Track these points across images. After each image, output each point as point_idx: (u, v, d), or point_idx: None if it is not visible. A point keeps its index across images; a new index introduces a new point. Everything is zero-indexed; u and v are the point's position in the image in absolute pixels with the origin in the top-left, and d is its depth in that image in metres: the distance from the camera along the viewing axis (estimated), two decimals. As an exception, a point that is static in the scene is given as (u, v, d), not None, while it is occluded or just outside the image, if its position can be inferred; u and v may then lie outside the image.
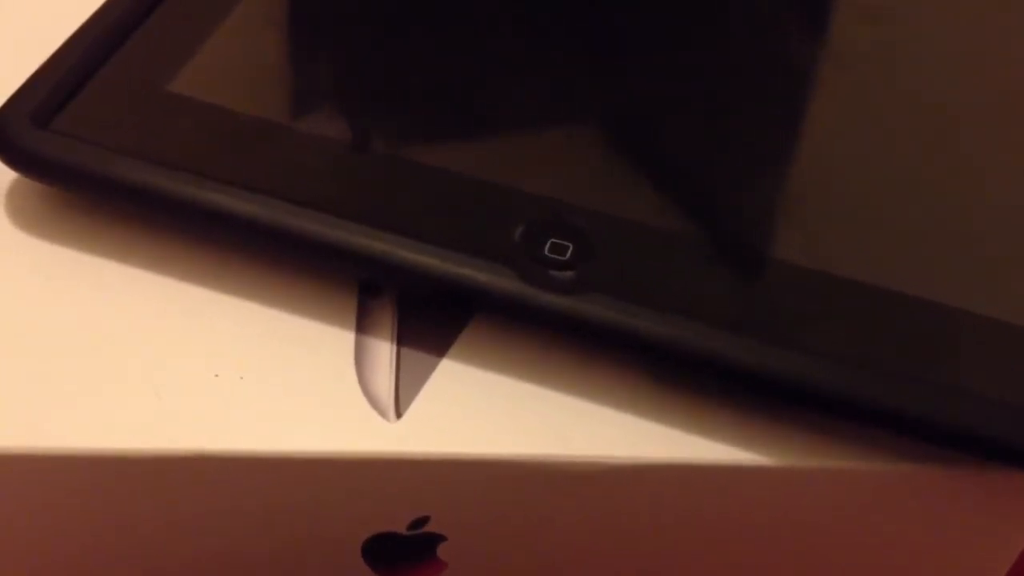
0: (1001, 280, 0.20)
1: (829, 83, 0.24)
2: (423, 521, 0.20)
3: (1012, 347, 0.19)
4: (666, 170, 0.22)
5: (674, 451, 0.19)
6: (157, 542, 0.21)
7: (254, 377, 0.20)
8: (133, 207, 0.21)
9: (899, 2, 0.26)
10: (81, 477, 0.19)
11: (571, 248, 0.20)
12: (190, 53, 0.23)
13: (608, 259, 0.20)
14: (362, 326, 0.21)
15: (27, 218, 0.22)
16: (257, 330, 0.20)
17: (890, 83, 0.24)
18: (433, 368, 0.20)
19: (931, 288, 0.20)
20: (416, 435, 0.19)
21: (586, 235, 0.20)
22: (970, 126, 0.23)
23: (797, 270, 0.20)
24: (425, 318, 0.21)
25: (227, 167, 0.21)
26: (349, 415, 0.19)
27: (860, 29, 0.25)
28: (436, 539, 0.21)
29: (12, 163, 0.21)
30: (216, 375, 0.20)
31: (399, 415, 0.19)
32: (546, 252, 0.20)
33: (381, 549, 0.21)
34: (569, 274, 0.19)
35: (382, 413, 0.20)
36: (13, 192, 0.22)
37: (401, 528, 0.21)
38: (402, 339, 0.20)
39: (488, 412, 0.20)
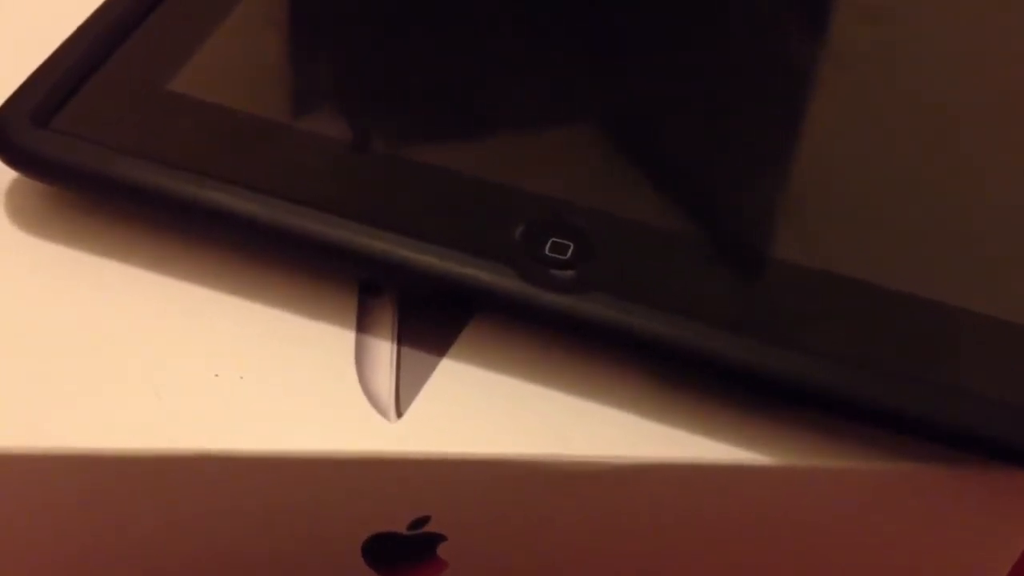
0: (1002, 279, 0.20)
1: (829, 83, 0.24)
2: (423, 521, 0.20)
3: (1013, 346, 0.19)
4: (666, 170, 0.22)
5: (674, 451, 0.19)
6: (157, 542, 0.21)
7: (254, 377, 0.20)
8: (133, 206, 0.21)
9: (899, 2, 0.26)
10: (81, 477, 0.19)
11: (572, 247, 0.20)
12: (190, 52, 0.23)
13: (608, 258, 0.20)
14: (362, 325, 0.21)
15: (27, 217, 0.22)
16: (257, 330, 0.20)
17: (890, 83, 0.24)
18: (433, 368, 0.20)
19: (932, 287, 0.20)
20: (416, 435, 0.19)
21: (586, 234, 0.20)
22: (970, 125, 0.23)
23: (797, 269, 0.20)
24: (425, 318, 0.21)
25: (227, 166, 0.21)
26: (349, 415, 0.19)
27: (860, 29, 0.25)
28: (436, 539, 0.21)
29: (12, 162, 0.21)
30: (216, 375, 0.20)
31: (399, 415, 0.19)
32: (547, 251, 0.20)
33: (381, 549, 0.21)
34: (569, 273, 0.19)
35: (382, 413, 0.20)
36: (13, 191, 0.22)
37: (401, 528, 0.21)
38: (402, 338, 0.20)
39: (488, 412, 0.20)
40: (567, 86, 0.23)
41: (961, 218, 0.21)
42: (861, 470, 0.19)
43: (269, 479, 0.19)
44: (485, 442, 0.19)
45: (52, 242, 0.21)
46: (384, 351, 0.20)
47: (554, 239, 0.20)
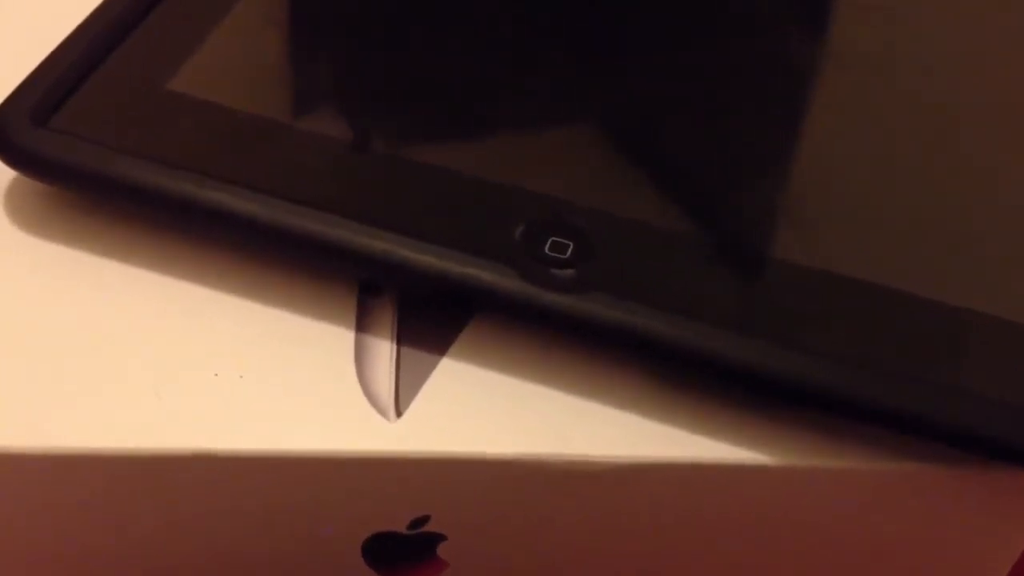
0: (1002, 278, 0.20)
1: (830, 82, 0.24)
2: (423, 520, 0.20)
3: (1014, 346, 0.19)
4: (666, 169, 0.22)
5: (674, 451, 0.19)
6: (157, 542, 0.21)
7: (254, 376, 0.20)
8: (132, 206, 0.21)
9: (899, 2, 0.26)
10: (81, 477, 0.19)
11: (571, 247, 0.20)
12: (190, 51, 0.23)
13: (608, 258, 0.20)
14: (362, 325, 0.21)
15: (26, 217, 0.22)
16: (257, 329, 0.20)
17: (891, 82, 0.24)
18: (433, 367, 0.20)
19: (933, 287, 0.20)
20: (416, 434, 0.19)
21: (586, 234, 0.20)
22: (969, 125, 0.23)
23: (798, 269, 0.20)
24: (425, 317, 0.21)
25: (227, 166, 0.21)
26: (349, 414, 0.19)
27: (860, 29, 0.25)
28: (436, 538, 0.21)
29: (11, 161, 0.21)
30: (216, 374, 0.20)
31: (399, 414, 0.19)
32: (546, 251, 0.20)
33: (381, 548, 0.21)
34: (569, 273, 0.19)
35: (382, 412, 0.19)
36: (12, 191, 0.22)
37: (401, 527, 0.21)
38: (402, 338, 0.20)
39: (488, 411, 0.20)
40: (567, 86, 0.23)
41: (962, 218, 0.21)
42: (861, 470, 0.19)
43: (269, 479, 0.19)
44: (485, 442, 0.19)
45: (51, 242, 0.21)
46: (384, 351, 0.20)
47: (554, 238, 0.20)
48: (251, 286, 0.21)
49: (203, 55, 0.23)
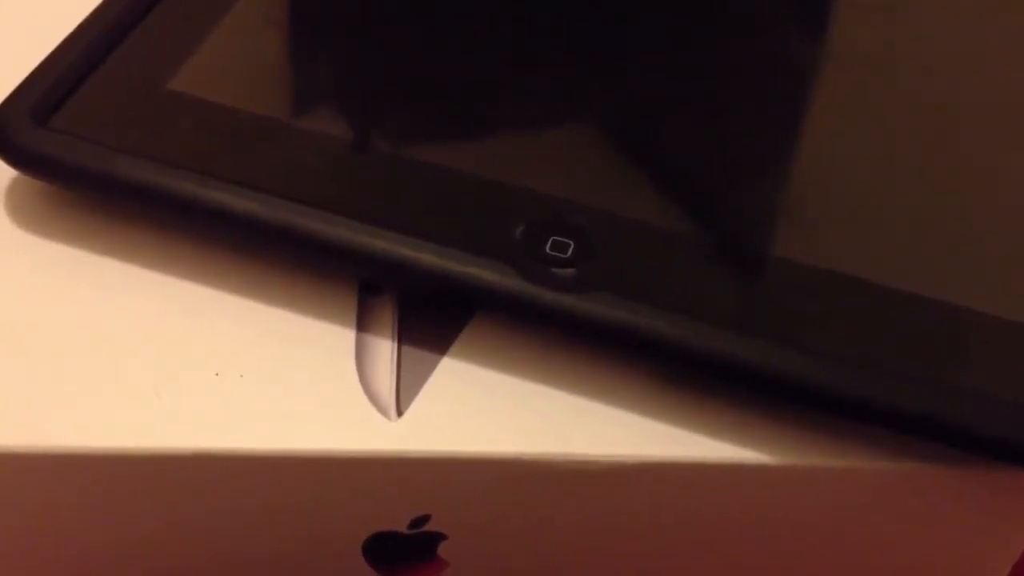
0: (1005, 278, 0.20)
1: (830, 82, 0.24)
2: (424, 520, 0.20)
3: (1014, 345, 0.19)
4: (667, 168, 0.22)
5: (675, 450, 0.19)
6: (157, 542, 0.21)
7: (254, 376, 0.20)
8: (132, 205, 0.21)
9: (899, 2, 0.26)
10: (81, 477, 0.19)
11: (572, 246, 0.20)
12: (190, 51, 0.23)
13: (609, 257, 0.20)
14: (363, 324, 0.21)
15: (25, 216, 0.22)
16: (257, 329, 0.20)
17: (892, 82, 0.24)
18: (434, 367, 0.20)
19: (934, 286, 0.20)
20: (417, 434, 0.19)
21: (587, 233, 0.20)
22: (971, 124, 0.23)
23: (799, 268, 0.20)
24: (426, 316, 0.21)
25: (227, 165, 0.21)
26: (350, 414, 0.19)
27: (861, 28, 0.25)
28: (437, 538, 0.21)
29: (11, 161, 0.21)
30: (216, 374, 0.20)
31: (400, 414, 0.19)
32: (547, 250, 0.20)
33: (382, 548, 0.21)
34: (570, 272, 0.19)
35: (383, 412, 0.19)
36: (12, 191, 0.22)
37: (402, 527, 0.21)
38: (403, 337, 0.20)
39: (489, 411, 0.20)
40: (567, 85, 0.23)
41: (962, 217, 0.21)
42: (861, 470, 0.19)
43: (269, 478, 0.19)
44: (485, 441, 0.19)
45: (51, 241, 0.21)
46: (384, 350, 0.20)
47: (554, 238, 0.20)
48: (251, 285, 0.21)
49: (203, 54, 0.23)
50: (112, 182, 0.20)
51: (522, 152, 0.22)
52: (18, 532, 0.21)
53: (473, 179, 0.21)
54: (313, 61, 0.24)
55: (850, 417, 0.19)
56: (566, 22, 0.25)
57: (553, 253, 0.20)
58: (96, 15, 0.23)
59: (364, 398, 0.20)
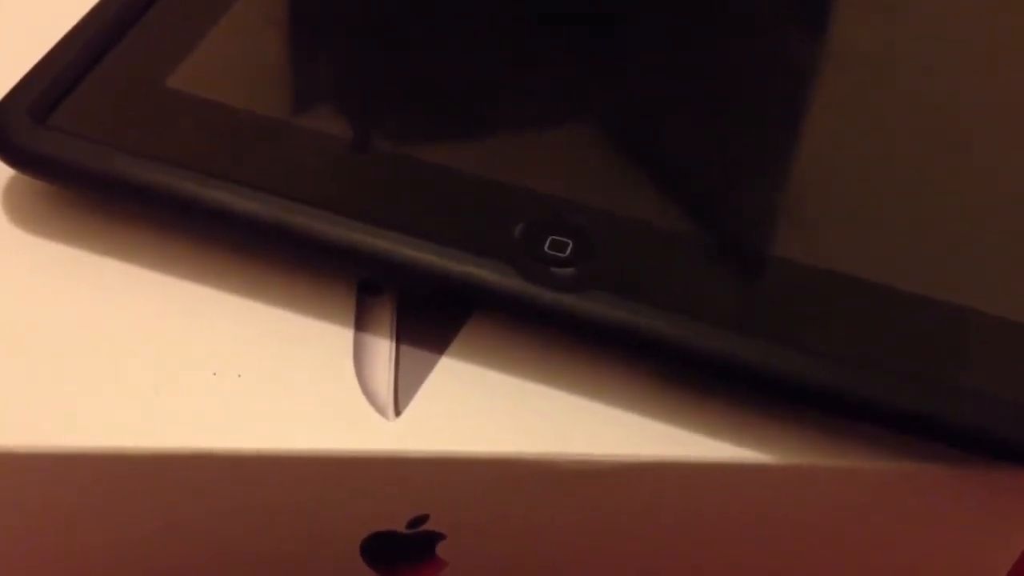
0: (1005, 278, 0.20)
1: (830, 82, 0.24)
2: (422, 519, 0.20)
3: (1016, 345, 0.19)
4: (666, 168, 0.22)
5: (675, 449, 0.19)
6: (155, 542, 0.21)
7: (252, 376, 0.20)
8: (130, 204, 0.21)
9: (899, 1, 0.26)
10: (79, 477, 0.19)
11: (571, 246, 0.20)
12: (188, 49, 0.23)
13: (608, 257, 0.20)
14: (361, 324, 0.21)
15: (24, 216, 0.22)
16: (255, 328, 0.20)
17: (893, 82, 0.24)
18: (432, 366, 0.20)
19: (935, 286, 0.20)
20: (415, 433, 0.19)
21: (586, 233, 0.20)
22: (972, 124, 0.23)
23: (799, 268, 0.20)
24: (424, 316, 0.21)
25: (225, 163, 0.21)
26: (348, 413, 0.19)
27: (862, 28, 0.25)
28: (435, 537, 0.21)
29: (8, 159, 0.21)
30: (214, 373, 0.20)
31: (398, 413, 0.19)
32: (546, 249, 0.20)
33: (380, 548, 0.21)
34: (569, 271, 0.19)
35: (381, 411, 0.19)
36: (11, 190, 0.22)
37: (400, 527, 0.21)
38: (401, 337, 0.20)
39: (487, 410, 0.20)
40: (567, 84, 0.23)
41: (963, 217, 0.21)
42: (861, 470, 0.19)
43: (267, 478, 0.19)
44: (484, 441, 0.19)
45: (49, 240, 0.21)
46: (383, 350, 0.20)
47: (553, 237, 0.20)
48: (250, 285, 0.21)
49: (201, 52, 0.23)
50: (110, 181, 0.20)
51: (521, 152, 0.22)
52: (18, 532, 0.21)
53: (472, 178, 0.21)
54: (312, 60, 0.24)
55: (850, 417, 0.19)
56: (565, 21, 0.25)
57: (552, 253, 0.20)
58: (94, 13, 0.23)
59: (362, 398, 0.20)
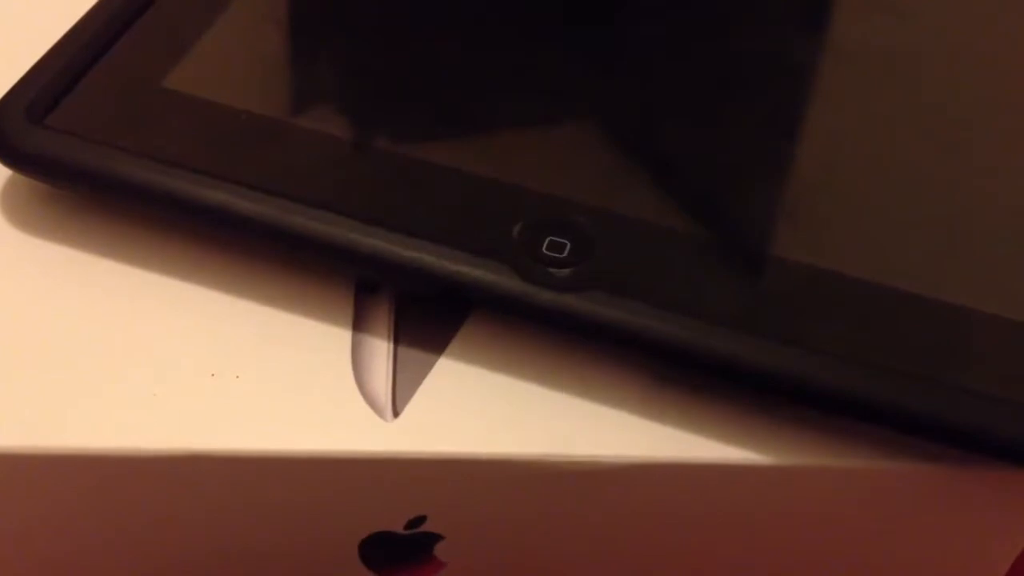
0: (1006, 278, 0.20)
1: (831, 82, 0.24)
2: (420, 520, 0.20)
3: (1017, 345, 0.19)
4: (665, 167, 0.22)
5: (674, 450, 0.19)
6: (154, 542, 0.21)
7: (250, 376, 0.20)
8: (128, 204, 0.21)
9: (901, 1, 0.26)
10: (78, 477, 0.19)
11: (569, 245, 0.20)
12: (185, 49, 0.23)
13: (607, 256, 0.20)
14: (359, 324, 0.20)
15: (22, 216, 0.22)
16: (253, 329, 0.20)
17: (895, 81, 0.24)
18: (430, 367, 0.20)
19: (936, 286, 0.19)
20: (413, 434, 0.19)
21: (584, 232, 0.20)
22: (973, 124, 0.23)
23: (798, 267, 0.20)
24: (422, 316, 0.21)
25: (223, 163, 0.21)
26: (346, 414, 0.19)
27: (863, 28, 0.25)
28: (433, 538, 0.21)
29: (6, 160, 0.21)
30: (212, 374, 0.20)
31: (396, 414, 0.19)
32: (544, 250, 0.20)
33: (378, 548, 0.21)
34: (567, 271, 0.19)
35: (379, 412, 0.19)
36: (8, 190, 0.22)
37: (398, 527, 0.21)
38: (399, 337, 0.20)
39: (486, 411, 0.20)
40: (566, 83, 0.23)
41: (964, 217, 0.21)
42: (861, 470, 0.19)
43: (265, 479, 0.19)
44: (482, 441, 0.19)
45: (47, 241, 0.21)
46: (381, 350, 0.20)
47: (552, 237, 0.20)
48: (248, 285, 0.21)
49: (199, 53, 0.23)
50: (108, 181, 0.20)
51: (520, 151, 0.22)
52: (17, 532, 0.21)
53: (471, 178, 0.21)
54: (310, 59, 0.24)
55: (850, 417, 0.19)
56: (564, 19, 0.25)
57: (550, 253, 0.20)
58: (92, 13, 0.23)
59: (360, 398, 0.20)
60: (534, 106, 0.23)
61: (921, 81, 0.24)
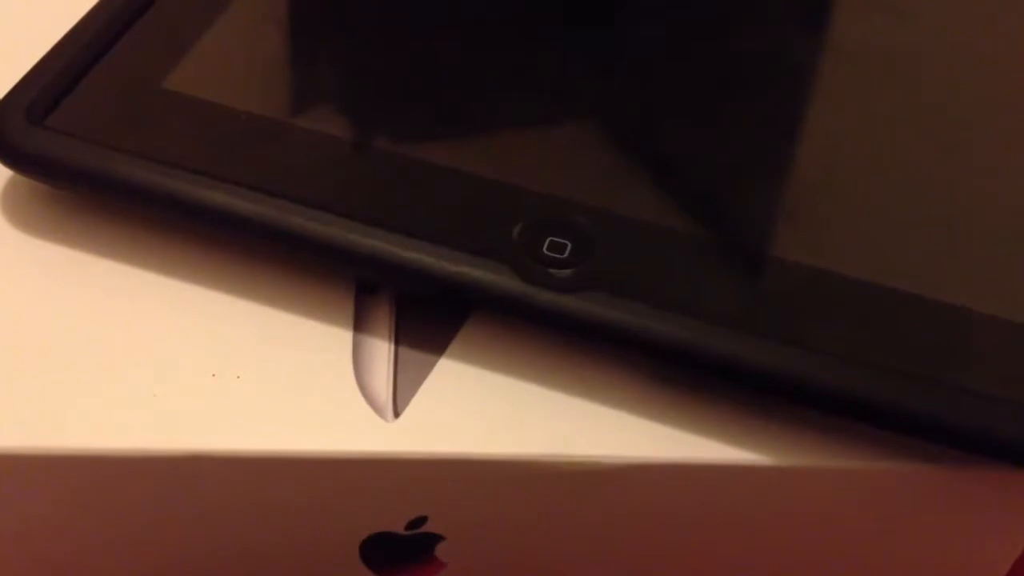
0: (1005, 278, 0.20)
1: (831, 81, 0.24)
2: (421, 521, 0.20)
3: (1016, 345, 0.19)
4: (665, 168, 0.22)
5: (674, 450, 0.19)
6: (154, 542, 0.21)
7: (251, 377, 0.20)
8: (128, 205, 0.21)
9: (901, 1, 0.26)
10: (78, 477, 0.19)
11: (570, 246, 0.20)
12: (185, 50, 0.23)
13: (607, 257, 0.20)
14: (360, 325, 0.21)
15: (22, 216, 0.22)
16: (254, 329, 0.20)
17: (895, 81, 0.24)
18: (431, 367, 0.20)
19: (935, 286, 0.19)
20: (414, 434, 0.19)
21: (585, 233, 0.20)
22: (973, 124, 0.23)
23: (799, 268, 0.20)
24: (423, 317, 0.21)
25: (223, 164, 0.21)
26: (347, 414, 0.19)
27: (863, 28, 0.25)
28: (434, 539, 0.21)
29: (7, 160, 0.21)
30: (213, 375, 0.20)
31: (397, 414, 0.19)
32: (545, 250, 0.20)
33: (379, 549, 0.21)
34: (568, 272, 0.19)
35: (380, 412, 0.19)
36: (8, 190, 0.22)
37: (399, 528, 0.21)
38: (400, 338, 0.20)
39: (486, 411, 0.20)
40: (566, 84, 0.23)
41: (964, 217, 0.21)
42: (861, 470, 0.19)
43: (266, 480, 0.19)
44: (483, 442, 0.19)
45: (48, 241, 0.21)
46: (381, 351, 0.20)
47: (552, 238, 0.20)
48: (248, 286, 0.21)
49: (199, 53, 0.23)
50: (108, 182, 0.20)
51: (520, 152, 0.22)
52: (17, 533, 0.21)
53: (471, 179, 0.21)
54: (310, 60, 0.24)
55: (850, 417, 0.19)
56: (564, 20, 0.25)
57: (551, 253, 0.20)
58: (92, 14, 0.23)
59: (361, 399, 0.20)
60: (534, 106, 0.23)
61: (921, 81, 0.24)
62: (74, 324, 0.20)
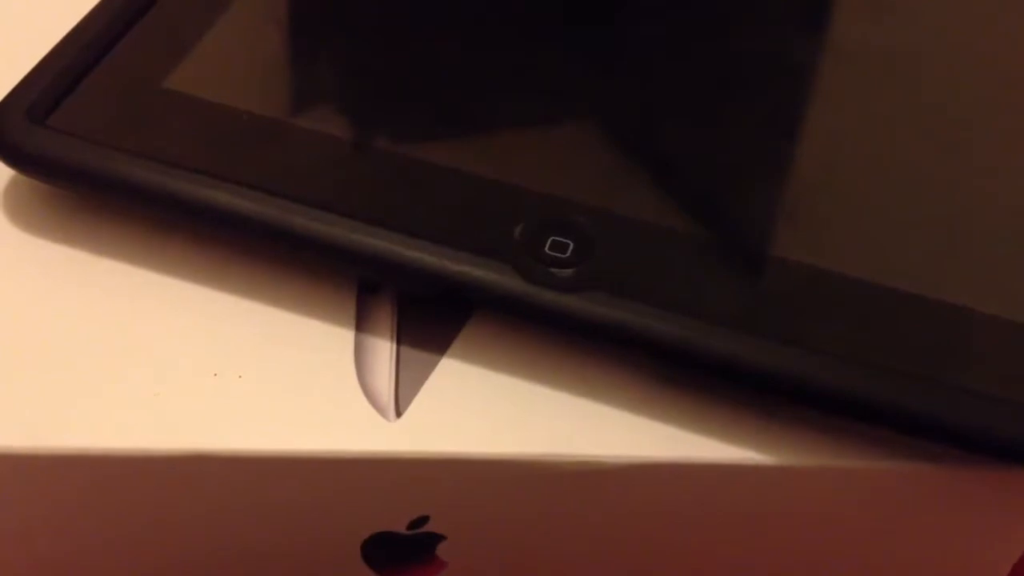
0: (1005, 278, 0.20)
1: (832, 81, 0.24)
2: (423, 520, 0.20)
3: (1016, 345, 0.19)
4: (667, 168, 0.22)
5: (675, 450, 0.19)
6: (156, 542, 0.21)
7: (253, 376, 0.20)
8: (129, 204, 0.21)
9: (901, 0, 0.26)
10: (79, 477, 0.19)
11: (571, 246, 0.20)
12: (186, 49, 0.23)
13: (609, 257, 0.20)
14: (362, 324, 0.21)
15: (23, 216, 0.22)
16: (256, 329, 0.20)
17: (895, 81, 0.24)
18: (433, 367, 0.20)
19: (935, 286, 0.20)
20: (416, 434, 0.19)
21: (587, 233, 0.20)
22: (973, 124, 0.23)
23: (799, 268, 0.20)
24: (425, 317, 0.21)
25: (224, 164, 0.21)
26: (348, 414, 0.19)
27: (863, 28, 0.25)
28: (436, 539, 0.21)
29: (8, 160, 0.21)
30: (215, 374, 0.20)
31: (399, 414, 0.19)
32: (546, 250, 0.20)
33: (381, 549, 0.21)
34: (569, 272, 0.19)
35: (382, 412, 0.19)
36: (10, 190, 0.22)
37: (401, 528, 0.21)
38: (402, 337, 0.20)
39: (488, 411, 0.20)
40: (566, 84, 0.23)
41: (964, 217, 0.21)
42: (861, 470, 0.19)
43: (267, 479, 0.19)
44: (485, 442, 0.19)
45: (48, 241, 0.21)
46: (383, 350, 0.20)
47: (554, 237, 0.20)
48: (250, 285, 0.21)
49: (200, 53, 0.23)
50: (109, 181, 0.20)
51: (521, 152, 0.22)
52: (17, 533, 0.21)
53: (473, 179, 0.21)
54: (311, 60, 0.24)
55: (850, 417, 0.19)
56: (565, 19, 0.25)
57: (552, 253, 0.20)
58: (94, 14, 0.23)
59: (363, 398, 0.20)
60: (534, 106, 0.23)
61: (921, 81, 0.24)
62: (75, 324, 0.20)
